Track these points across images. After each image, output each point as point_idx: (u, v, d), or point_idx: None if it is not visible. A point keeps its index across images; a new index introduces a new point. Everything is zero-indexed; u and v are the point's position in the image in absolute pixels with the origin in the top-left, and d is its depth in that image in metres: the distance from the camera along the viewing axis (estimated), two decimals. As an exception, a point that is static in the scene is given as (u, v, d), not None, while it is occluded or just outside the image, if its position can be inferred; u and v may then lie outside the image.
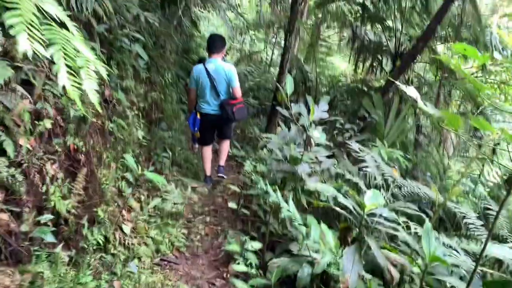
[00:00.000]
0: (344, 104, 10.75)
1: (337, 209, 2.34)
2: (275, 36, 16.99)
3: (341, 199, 2.31)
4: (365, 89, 10.75)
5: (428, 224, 2.12)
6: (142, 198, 3.83)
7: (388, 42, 9.61)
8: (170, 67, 6.07)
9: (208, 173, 4.98)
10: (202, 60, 4.62)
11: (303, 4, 6.48)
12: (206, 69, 4.43)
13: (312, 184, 2.55)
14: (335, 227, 3.18)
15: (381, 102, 5.59)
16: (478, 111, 6.06)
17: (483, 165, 5.93)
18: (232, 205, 3.85)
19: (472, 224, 3.36)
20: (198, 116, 4.69)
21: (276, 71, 18.24)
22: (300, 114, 3.58)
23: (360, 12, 9.21)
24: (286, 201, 2.83)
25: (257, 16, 16.21)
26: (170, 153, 5.04)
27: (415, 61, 5.64)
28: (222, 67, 4.45)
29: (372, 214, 2.39)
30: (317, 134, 3.21)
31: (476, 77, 9.77)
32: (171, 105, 6.00)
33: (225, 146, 5.11)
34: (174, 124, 5.98)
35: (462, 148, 7.50)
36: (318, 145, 3.57)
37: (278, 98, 6.89)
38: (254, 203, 3.90)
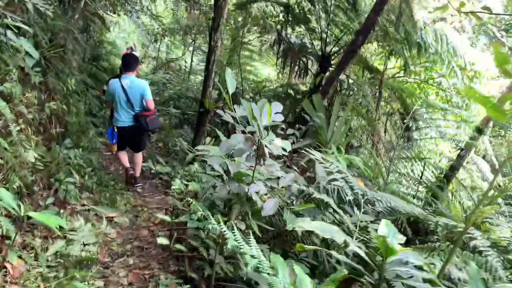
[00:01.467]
0: (272, 110, 10.28)
1: (338, 256, 1.62)
2: (193, 42, 16.17)
3: (353, 246, 1.55)
4: (292, 93, 10.43)
5: (473, 268, 1.49)
6: (37, 243, 2.80)
7: (313, 44, 9.33)
8: (74, 72, 5.00)
9: (128, 165, 5.29)
10: (117, 76, 5.13)
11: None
12: (121, 84, 4.76)
13: (302, 224, 1.81)
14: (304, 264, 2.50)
15: (322, 104, 5.11)
16: (412, 110, 5.81)
17: (424, 165, 5.71)
18: (162, 240, 2.97)
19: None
20: (115, 129, 4.97)
21: (197, 78, 17.49)
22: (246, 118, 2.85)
23: (283, 13, 8.80)
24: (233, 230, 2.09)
25: (174, 20, 15.27)
26: (78, 176, 4.01)
27: (354, 55, 5.26)
28: (136, 82, 4.84)
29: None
30: (279, 143, 2.50)
31: (399, 77, 9.91)
32: (77, 118, 4.94)
33: (139, 158, 5.36)
34: (82, 140, 4.92)
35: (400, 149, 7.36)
36: (278, 157, 2.92)
37: (205, 104, 6.12)
38: (191, 235, 3.06)
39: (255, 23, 11.83)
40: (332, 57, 8.71)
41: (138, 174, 5.31)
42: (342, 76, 8.84)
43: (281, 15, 9.40)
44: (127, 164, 5.28)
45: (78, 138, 4.78)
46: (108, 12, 12.58)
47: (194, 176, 5.45)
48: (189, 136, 9.12)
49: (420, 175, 5.85)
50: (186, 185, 4.15)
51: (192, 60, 16.06)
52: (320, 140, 4.83)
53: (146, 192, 5.36)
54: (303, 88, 10.59)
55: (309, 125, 4.81)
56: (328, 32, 8.39)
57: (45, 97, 4.12)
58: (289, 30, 9.41)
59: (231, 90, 2.53)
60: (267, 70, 14.23)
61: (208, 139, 6.68)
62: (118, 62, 13.00)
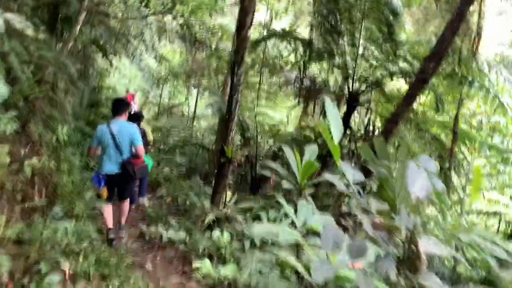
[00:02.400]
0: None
1: None
2: (196, 87, 15.41)
3: None
4: (312, 136, 9.42)
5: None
6: None
7: (338, 81, 8.42)
8: (68, 118, 3.95)
9: (111, 225, 4.79)
10: None
11: (249, 28, 4.90)
12: (110, 129, 4.57)
13: None
14: None
15: (386, 149, 4.05)
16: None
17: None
18: None
19: None
20: (101, 176, 4.64)
21: (202, 124, 16.59)
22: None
23: (304, 49, 7.95)
24: None
25: (179, 63, 14.57)
26: (68, 264, 2.83)
27: (425, 86, 4.27)
28: (126, 127, 4.66)
29: None
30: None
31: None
32: (69, 177, 3.83)
33: (126, 206, 5.02)
34: (76, 206, 3.78)
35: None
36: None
37: (227, 152, 5.04)
38: None
39: (265, 63, 11.10)
40: (359, 95, 7.80)
41: (123, 221, 5.05)
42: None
43: (299, 52, 8.57)
44: (110, 224, 4.81)
45: (71, 204, 3.64)
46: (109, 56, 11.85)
47: (221, 246, 4.27)
48: (200, 189, 7.98)
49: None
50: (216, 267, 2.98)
51: (196, 105, 15.24)
52: (385, 198, 3.74)
53: (159, 270, 4.15)
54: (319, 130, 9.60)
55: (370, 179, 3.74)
56: (357, 67, 7.51)
57: (25, 151, 3.02)
58: (310, 67, 8.52)
59: (336, 137, 1.46)
60: (279, 113, 13.30)
61: (229, 194, 5.56)
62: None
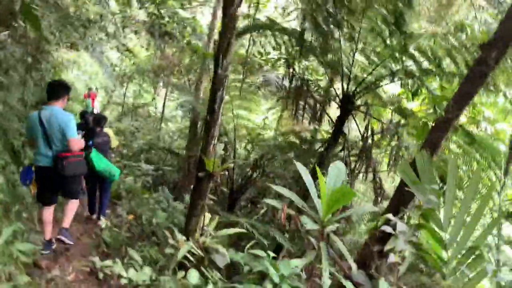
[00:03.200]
0: (275, 165, 8.15)
1: None
2: (165, 86, 14.08)
3: None
4: (297, 142, 8.40)
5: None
6: None
7: (332, 82, 7.46)
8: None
9: (48, 236, 4.15)
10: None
11: (239, 6, 3.79)
12: (40, 117, 3.95)
13: None
14: None
15: (431, 167, 3.02)
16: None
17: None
18: None
19: None
20: (33, 169, 4.07)
21: (170, 126, 15.22)
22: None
23: (294, 44, 6.91)
24: None
25: (145, 59, 13.19)
26: None
27: (483, 81, 3.28)
28: (57, 115, 3.96)
29: None
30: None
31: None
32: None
33: (70, 206, 4.38)
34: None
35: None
36: None
37: (207, 165, 3.90)
38: None
39: (243, 60, 10.01)
40: (355, 97, 6.85)
41: (67, 224, 4.37)
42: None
43: (286, 47, 7.54)
44: (48, 235, 4.15)
45: None
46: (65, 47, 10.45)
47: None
48: (169, 204, 6.76)
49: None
50: None
51: (164, 105, 13.91)
52: (429, 235, 2.70)
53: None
54: (309, 135, 8.59)
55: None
56: (354, 65, 6.54)
57: None
58: (299, 65, 7.50)
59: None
60: (258, 116, 12.21)
61: (208, 216, 4.40)
62: (77, 108, 10.61)
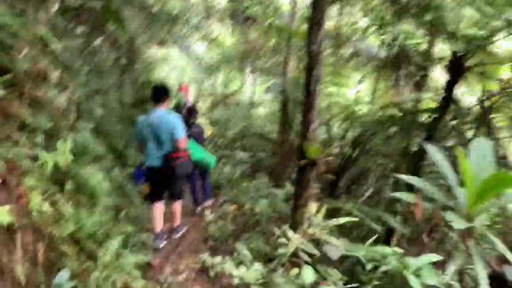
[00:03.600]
0: (376, 142, 7.56)
1: None
2: (252, 71, 14.01)
3: None
4: (399, 115, 7.66)
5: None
6: None
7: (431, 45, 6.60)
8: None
9: (158, 230, 4.35)
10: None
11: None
12: (148, 120, 4.16)
13: None
14: None
15: None
16: None
17: None
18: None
19: None
20: (144, 169, 4.32)
21: (260, 112, 15.16)
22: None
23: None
24: None
25: (230, 47, 13.23)
26: None
27: None
28: (165, 118, 4.14)
29: None
30: None
31: None
32: (90, 217, 2.59)
33: (177, 207, 4.57)
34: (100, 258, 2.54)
35: None
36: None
37: (308, 152, 3.58)
38: None
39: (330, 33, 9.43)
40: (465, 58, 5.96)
41: (177, 223, 4.68)
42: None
43: (377, 11, 6.85)
44: (158, 228, 4.38)
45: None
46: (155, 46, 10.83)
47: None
48: (268, 191, 6.62)
49: None
50: None
51: (252, 91, 13.88)
52: None
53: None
54: (411, 106, 7.79)
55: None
56: (461, 20, 5.68)
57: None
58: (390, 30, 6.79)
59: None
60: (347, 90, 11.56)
61: (314, 206, 4.11)
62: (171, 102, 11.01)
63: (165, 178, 4.30)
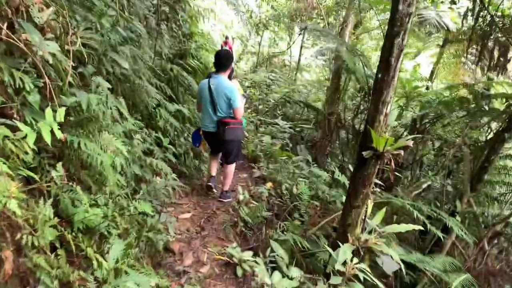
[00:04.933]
0: (439, 127, 6.59)
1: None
2: (301, 32, 12.92)
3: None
4: (470, 98, 6.60)
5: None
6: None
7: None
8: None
9: (213, 173, 4.82)
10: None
11: None
12: (209, 85, 4.29)
13: None
14: None
15: None
16: None
17: None
18: None
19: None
20: (201, 133, 4.58)
21: (306, 77, 14.17)
22: None
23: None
24: None
25: (282, 4, 12.15)
26: None
27: None
28: (224, 85, 4.25)
29: None
30: None
31: None
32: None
33: (228, 171, 4.70)
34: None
35: None
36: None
37: (376, 142, 2.80)
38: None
39: None
40: None
41: (226, 187, 4.81)
42: None
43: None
44: (213, 171, 4.84)
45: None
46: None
47: None
48: (311, 171, 5.90)
49: None
50: None
51: (300, 54, 12.86)
52: None
53: None
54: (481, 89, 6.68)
55: None
56: None
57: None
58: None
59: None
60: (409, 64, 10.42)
61: (371, 205, 3.35)
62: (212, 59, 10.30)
63: (219, 142, 4.47)
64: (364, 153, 2.91)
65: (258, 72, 12.77)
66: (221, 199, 4.67)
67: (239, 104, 4.30)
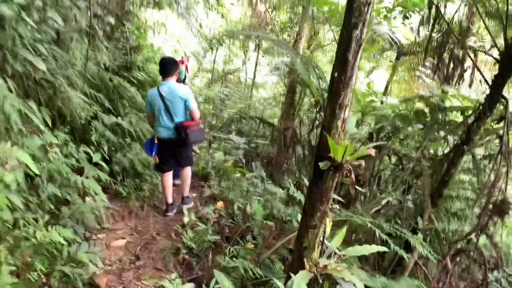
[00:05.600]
0: (395, 142, 6.42)
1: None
2: (256, 49, 12.72)
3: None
4: (427, 111, 6.50)
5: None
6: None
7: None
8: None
9: (170, 200, 4.57)
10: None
11: None
12: (159, 92, 4.23)
13: None
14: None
15: None
16: None
17: None
18: None
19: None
20: (156, 141, 4.37)
21: (262, 94, 13.93)
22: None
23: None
24: None
25: (236, 21, 11.89)
26: None
27: None
28: (177, 89, 4.24)
29: None
30: None
31: None
32: None
33: (186, 173, 4.70)
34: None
35: None
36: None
37: (334, 152, 2.42)
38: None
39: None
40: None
41: (186, 192, 4.73)
42: None
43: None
44: (169, 199, 4.52)
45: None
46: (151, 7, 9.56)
47: None
48: (265, 188, 5.50)
49: None
50: None
51: (256, 70, 12.61)
52: None
53: None
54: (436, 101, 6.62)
55: None
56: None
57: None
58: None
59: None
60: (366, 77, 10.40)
61: (329, 224, 2.95)
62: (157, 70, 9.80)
63: (178, 147, 4.39)
64: (320, 164, 2.53)
65: (212, 88, 12.34)
66: (187, 205, 4.62)
67: (195, 105, 4.31)
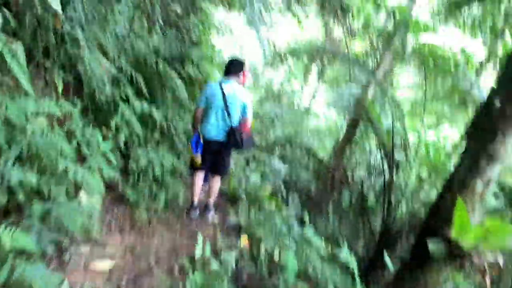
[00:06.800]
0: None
1: None
2: (320, 73, 11.84)
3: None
4: None
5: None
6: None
7: None
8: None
9: (196, 200, 4.24)
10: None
11: None
12: (222, 89, 3.91)
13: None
14: None
15: None
16: None
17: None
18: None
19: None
20: (201, 140, 4.06)
21: (315, 123, 12.94)
22: None
23: None
24: None
25: (306, 41, 11.08)
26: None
27: None
28: (240, 91, 4.00)
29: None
30: None
31: None
32: None
33: (217, 181, 4.32)
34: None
35: None
36: None
37: (456, 227, 1.38)
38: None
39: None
40: None
41: (212, 199, 4.37)
42: None
43: None
44: (196, 198, 4.19)
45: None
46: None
47: None
48: (304, 234, 4.46)
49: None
50: None
51: (314, 96, 11.69)
52: None
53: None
54: None
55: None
56: None
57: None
58: None
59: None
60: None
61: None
62: (214, 73, 9.06)
63: (223, 150, 4.13)
64: (429, 243, 1.51)
65: (264, 105, 11.54)
66: (210, 212, 4.30)
67: (251, 114, 4.12)
